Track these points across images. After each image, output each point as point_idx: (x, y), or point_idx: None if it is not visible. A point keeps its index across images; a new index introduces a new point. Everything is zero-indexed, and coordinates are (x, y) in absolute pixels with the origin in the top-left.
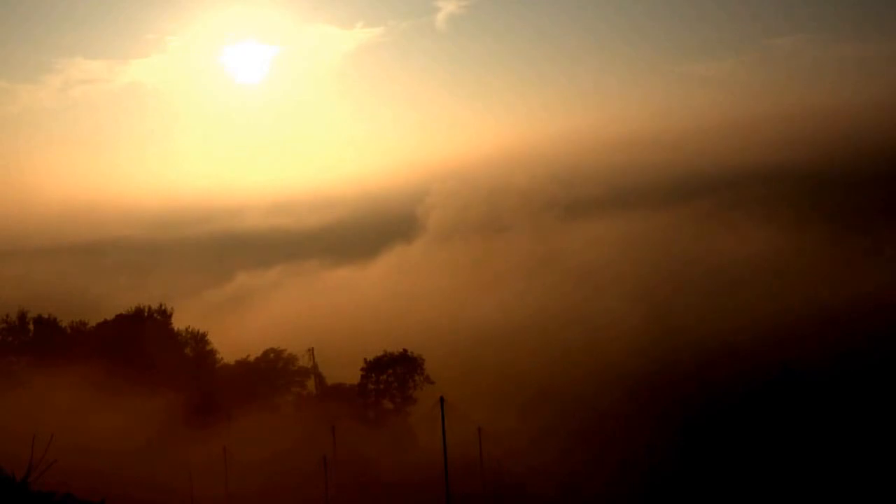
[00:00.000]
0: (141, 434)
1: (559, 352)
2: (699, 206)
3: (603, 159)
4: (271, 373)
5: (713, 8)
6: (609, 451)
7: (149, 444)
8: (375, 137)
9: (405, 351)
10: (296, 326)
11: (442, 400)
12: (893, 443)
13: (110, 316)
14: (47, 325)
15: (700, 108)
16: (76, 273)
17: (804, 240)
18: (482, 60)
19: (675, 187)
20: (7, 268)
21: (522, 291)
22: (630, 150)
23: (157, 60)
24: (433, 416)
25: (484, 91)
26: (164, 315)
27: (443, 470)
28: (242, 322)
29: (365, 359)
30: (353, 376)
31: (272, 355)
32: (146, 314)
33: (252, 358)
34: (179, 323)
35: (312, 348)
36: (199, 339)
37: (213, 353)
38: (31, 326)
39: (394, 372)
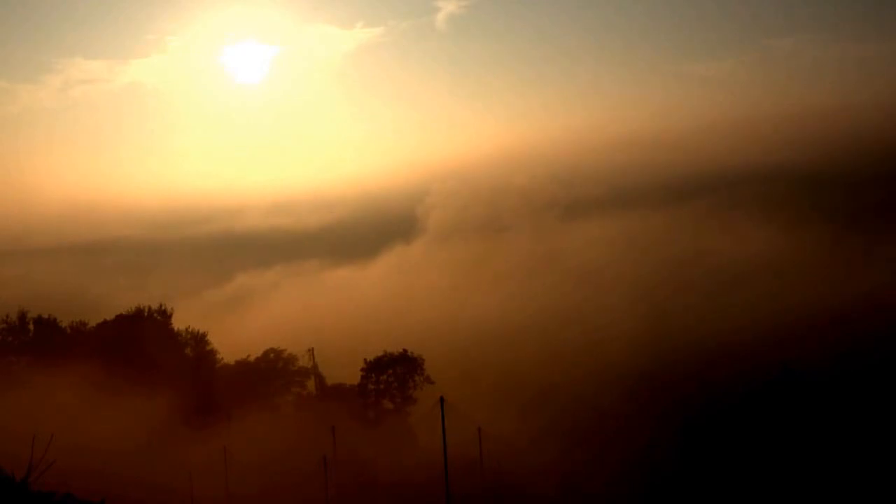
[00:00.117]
0: (141, 434)
1: (559, 352)
2: (699, 206)
3: (603, 159)
4: (271, 373)
5: (713, 8)
6: (609, 451)
7: (149, 445)
8: (375, 137)
9: (405, 351)
10: (296, 326)
11: (442, 400)
12: (893, 443)
13: (110, 316)
14: (47, 325)
15: (700, 108)
16: (76, 273)
17: (804, 240)
18: (482, 60)
19: (674, 187)
20: (7, 268)
21: (522, 291)
22: (630, 150)
23: (157, 60)
24: (433, 417)
25: (484, 91)
26: (164, 315)
27: (443, 470)
28: (242, 322)
29: (365, 359)
30: (353, 376)
31: (272, 355)
32: (146, 314)
33: (252, 358)
34: (179, 323)
35: (312, 348)
36: (199, 339)
37: (213, 353)
38: (31, 326)
39: (394, 372)
